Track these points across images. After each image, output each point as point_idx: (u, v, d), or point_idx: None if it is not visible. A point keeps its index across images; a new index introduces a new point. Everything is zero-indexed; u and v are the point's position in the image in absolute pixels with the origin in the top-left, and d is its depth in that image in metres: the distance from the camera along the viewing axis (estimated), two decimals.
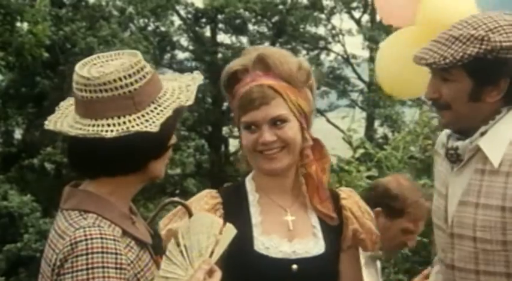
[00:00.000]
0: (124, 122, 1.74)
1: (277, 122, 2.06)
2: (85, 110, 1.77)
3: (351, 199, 2.20)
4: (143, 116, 1.75)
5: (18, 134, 17.62)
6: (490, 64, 1.96)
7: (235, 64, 2.11)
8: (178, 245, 1.81)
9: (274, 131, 2.06)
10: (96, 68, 1.79)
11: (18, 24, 14.01)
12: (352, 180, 6.41)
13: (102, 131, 1.73)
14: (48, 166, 16.66)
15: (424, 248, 5.89)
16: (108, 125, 1.74)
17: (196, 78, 1.89)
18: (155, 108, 1.77)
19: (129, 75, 1.76)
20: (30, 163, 16.11)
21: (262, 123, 2.06)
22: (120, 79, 1.75)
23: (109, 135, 1.73)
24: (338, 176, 6.57)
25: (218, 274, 1.79)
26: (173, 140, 1.86)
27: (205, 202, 2.08)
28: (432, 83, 2.06)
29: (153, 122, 1.74)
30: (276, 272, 2.03)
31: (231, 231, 1.85)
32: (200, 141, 19.13)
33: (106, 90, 1.75)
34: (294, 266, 2.05)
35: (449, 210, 2.10)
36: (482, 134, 2.02)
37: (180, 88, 1.85)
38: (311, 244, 2.10)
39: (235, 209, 2.09)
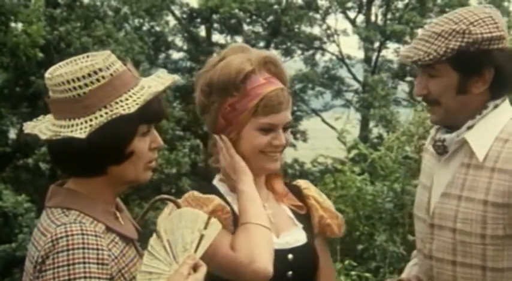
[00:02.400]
0: (72, 125, 1.75)
1: (285, 127, 2.13)
2: (51, 110, 1.82)
3: (311, 187, 2.28)
4: (90, 120, 1.74)
5: (12, 134, 17.58)
6: (473, 56, 2.02)
7: (243, 64, 2.08)
8: (161, 240, 1.81)
9: (283, 135, 2.12)
10: (60, 69, 1.80)
11: (12, 24, 13.99)
12: (346, 180, 6.41)
13: (50, 131, 1.77)
14: (43, 165, 16.63)
15: None
16: (60, 127, 1.77)
17: (164, 83, 1.85)
18: (106, 113, 1.75)
19: (78, 79, 1.75)
20: (24, 163, 16.08)
21: (279, 127, 2.10)
22: (69, 82, 1.75)
23: (42, 137, 1.77)
24: (333, 176, 6.57)
25: (203, 269, 1.79)
26: (140, 145, 1.81)
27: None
28: (420, 81, 2.12)
29: (87, 128, 1.73)
30: (275, 263, 2.04)
31: (216, 226, 1.85)
32: (195, 141, 19.10)
33: (59, 92, 1.77)
34: (290, 256, 2.11)
35: (432, 201, 2.15)
36: (469, 128, 2.07)
37: (149, 94, 1.81)
38: (296, 234, 2.16)
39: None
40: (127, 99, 1.78)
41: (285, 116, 2.11)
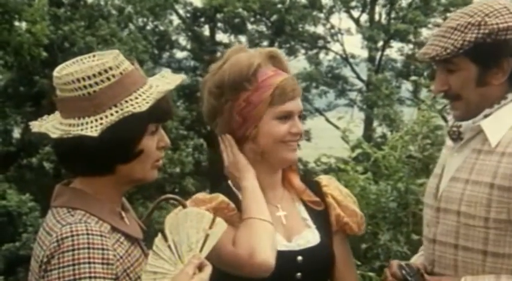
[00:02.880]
0: (82, 124, 1.75)
1: (300, 115, 2.15)
2: (58, 108, 1.81)
3: (331, 185, 2.27)
4: (101, 119, 1.74)
5: (16, 133, 17.62)
6: (490, 47, 2.03)
7: (252, 58, 2.10)
8: (166, 240, 1.81)
9: (300, 122, 2.14)
10: (69, 67, 1.80)
11: (16, 23, 14.01)
12: (350, 180, 6.41)
13: (58, 130, 1.76)
14: (47, 165, 16.67)
15: None
16: (69, 125, 1.76)
17: (173, 82, 1.85)
18: (116, 112, 1.75)
19: (88, 77, 1.75)
20: (28, 162, 16.13)
21: (295, 114, 2.12)
22: (79, 80, 1.75)
23: (52, 135, 1.76)
24: (337, 175, 6.57)
25: (208, 268, 1.79)
26: (149, 143, 1.82)
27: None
28: (439, 77, 2.12)
29: (103, 127, 1.73)
30: (283, 264, 2.05)
31: (221, 225, 1.85)
32: (199, 140, 19.13)
33: (68, 90, 1.76)
34: (299, 257, 2.11)
35: (440, 187, 2.16)
36: (486, 116, 2.08)
37: (158, 93, 1.82)
38: (309, 236, 2.16)
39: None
40: (136, 98, 1.78)
41: (299, 103, 2.13)
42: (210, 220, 1.84)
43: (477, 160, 2.08)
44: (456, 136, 2.14)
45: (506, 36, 2.03)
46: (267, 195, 2.14)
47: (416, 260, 2.33)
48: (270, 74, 2.11)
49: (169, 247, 1.80)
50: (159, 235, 1.82)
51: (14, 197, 13.90)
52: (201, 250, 1.81)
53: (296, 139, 2.14)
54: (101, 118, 1.74)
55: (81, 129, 1.73)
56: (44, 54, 13.80)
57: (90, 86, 1.75)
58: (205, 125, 21.25)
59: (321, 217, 2.21)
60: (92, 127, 1.73)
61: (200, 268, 1.78)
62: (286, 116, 2.10)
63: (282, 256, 2.06)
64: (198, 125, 20.08)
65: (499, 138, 2.06)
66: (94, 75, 1.75)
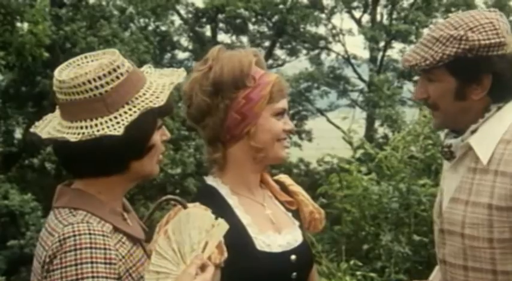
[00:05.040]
0: (96, 125, 1.74)
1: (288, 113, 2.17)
2: (63, 113, 1.80)
3: (294, 183, 2.29)
4: (115, 118, 1.75)
5: (18, 133, 17.62)
6: (470, 62, 2.00)
7: (248, 56, 2.10)
8: (169, 240, 1.81)
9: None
10: (71, 70, 1.79)
11: (18, 24, 14.00)
12: (353, 180, 6.40)
13: (69, 134, 1.74)
14: (49, 165, 16.67)
15: (424, 248, 5.90)
16: (81, 128, 1.75)
17: (180, 75, 1.88)
18: (129, 109, 1.76)
19: (99, 78, 1.74)
20: (30, 163, 16.13)
21: (286, 111, 2.14)
22: (90, 81, 1.74)
23: (72, 139, 1.74)
24: (339, 176, 6.56)
25: (211, 269, 1.79)
26: (157, 138, 1.84)
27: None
28: (420, 85, 2.12)
29: (122, 125, 1.73)
30: (279, 265, 2.05)
31: (223, 226, 1.85)
32: (200, 141, 19.07)
33: (77, 93, 1.75)
34: (293, 257, 2.10)
35: (443, 206, 2.15)
36: (473, 132, 2.06)
37: (163, 86, 1.83)
38: (295, 233, 2.16)
39: (223, 217, 1.99)
40: (144, 94, 1.79)
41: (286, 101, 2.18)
42: (211, 221, 1.85)
43: (474, 179, 2.06)
44: (449, 156, 2.12)
45: (488, 53, 1.99)
46: (254, 193, 2.15)
47: (435, 277, 2.32)
48: (262, 72, 2.11)
49: (172, 247, 1.81)
50: (162, 234, 1.82)
51: (16, 197, 13.90)
52: (203, 251, 1.81)
53: (288, 136, 2.15)
54: (115, 117, 1.75)
55: (102, 129, 1.73)
56: (46, 54, 13.78)
57: (102, 86, 1.75)
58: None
59: (295, 215, 2.22)
60: (111, 126, 1.73)
61: (203, 268, 1.78)
62: (281, 113, 2.11)
63: (277, 257, 2.06)
64: None
65: (489, 154, 2.03)
66: (105, 75, 1.75)
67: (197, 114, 2.10)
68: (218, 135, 2.10)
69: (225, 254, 1.87)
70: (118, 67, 1.77)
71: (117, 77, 1.76)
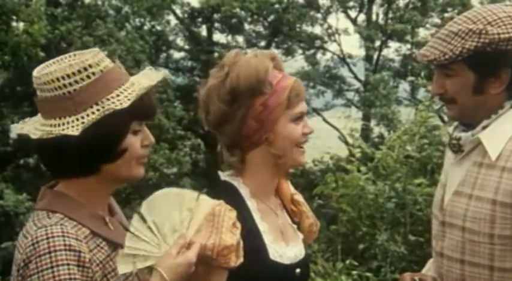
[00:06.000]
0: (63, 123, 1.72)
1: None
2: (40, 110, 1.79)
3: (298, 193, 2.23)
4: (82, 118, 1.71)
5: (13, 133, 17.56)
6: (490, 56, 2.00)
7: (264, 61, 2.05)
8: (144, 221, 1.77)
9: None
10: (48, 67, 1.76)
11: (13, 23, 13.98)
12: (350, 180, 6.40)
13: (38, 131, 1.73)
14: None
15: (420, 248, 5.90)
16: (51, 126, 1.73)
17: (157, 77, 1.83)
18: (97, 110, 1.71)
19: (68, 76, 1.72)
20: (25, 162, 16.08)
21: (305, 115, 2.11)
22: (58, 79, 1.72)
23: (33, 136, 1.73)
24: (335, 175, 6.56)
25: (195, 246, 1.75)
26: (131, 141, 1.78)
27: (229, 217, 1.92)
28: (436, 80, 2.11)
29: (79, 126, 1.69)
30: (286, 278, 2.03)
31: (206, 203, 1.81)
32: (196, 140, 19.08)
33: (48, 90, 1.74)
34: (298, 270, 2.08)
35: (445, 199, 2.14)
36: (484, 127, 2.06)
37: (140, 88, 1.78)
38: (300, 246, 2.14)
39: (242, 219, 1.98)
40: (118, 95, 1.75)
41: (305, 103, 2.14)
42: (193, 199, 1.81)
43: (479, 174, 2.05)
44: (457, 148, 2.12)
45: (507, 47, 1.99)
46: (270, 200, 2.11)
47: (428, 270, 2.31)
48: (279, 77, 2.06)
49: (149, 228, 1.76)
50: (136, 215, 1.77)
51: (11, 197, 13.85)
52: (187, 230, 1.77)
53: (306, 140, 2.12)
54: (82, 117, 1.71)
55: (63, 129, 1.70)
56: (42, 54, 13.75)
57: (70, 84, 1.72)
58: (202, 125, 21.20)
59: (299, 227, 2.19)
60: (73, 126, 1.70)
61: (188, 247, 1.75)
62: (300, 117, 2.08)
63: (286, 269, 2.03)
64: (195, 125, 20.06)
65: (499, 150, 2.03)
66: (74, 74, 1.72)
67: (215, 121, 2.06)
68: (236, 141, 2.06)
69: (241, 259, 1.84)
70: (90, 66, 1.73)
71: (88, 76, 1.73)
